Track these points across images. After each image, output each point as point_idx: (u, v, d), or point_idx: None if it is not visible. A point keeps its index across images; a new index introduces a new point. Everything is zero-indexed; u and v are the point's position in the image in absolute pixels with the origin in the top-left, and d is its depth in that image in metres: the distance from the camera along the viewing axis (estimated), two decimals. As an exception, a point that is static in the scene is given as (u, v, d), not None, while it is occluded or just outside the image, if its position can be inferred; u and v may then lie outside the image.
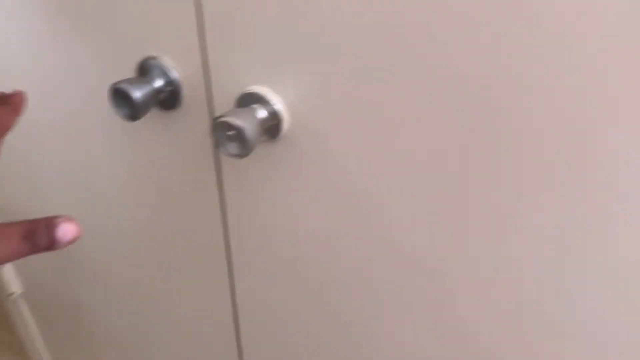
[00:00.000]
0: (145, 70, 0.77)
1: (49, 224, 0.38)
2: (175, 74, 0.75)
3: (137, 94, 0.72)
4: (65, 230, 0.38)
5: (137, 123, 0.84)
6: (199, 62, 0.72)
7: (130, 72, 0.79)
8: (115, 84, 0.72)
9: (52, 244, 0.38)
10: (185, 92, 0.76)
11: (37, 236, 0.37)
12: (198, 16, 0.68)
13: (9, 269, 1.51)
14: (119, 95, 0.73)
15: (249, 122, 0.64)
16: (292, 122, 0.68)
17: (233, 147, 0.65)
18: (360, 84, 0.60)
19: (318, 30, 0.60)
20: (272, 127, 0.69)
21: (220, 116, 0.64)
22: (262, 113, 0.67)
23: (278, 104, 0.67)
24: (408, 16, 0.53)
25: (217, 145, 0.66)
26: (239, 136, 0.64)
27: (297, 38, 0.62)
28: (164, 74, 0.75)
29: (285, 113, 0.67)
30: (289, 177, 0.73)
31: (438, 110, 0.56)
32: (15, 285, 1.53)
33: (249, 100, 0.68)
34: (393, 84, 0.57)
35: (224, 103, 0.72)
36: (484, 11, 0.49)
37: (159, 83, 0.75)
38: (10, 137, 0.53)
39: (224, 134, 0.65)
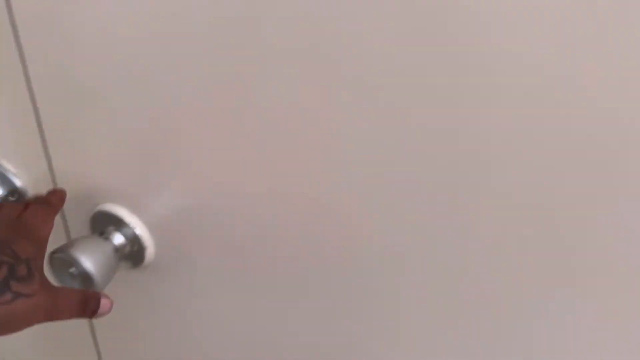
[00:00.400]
0: (-16, 176, 0.63)
1: (97, 295, 0.47)
2: (18, 182, 0.61)
3: (-35, 211, 0.58)
4: (105, 302, 0.47)
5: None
6: (45, 169, 0.58)
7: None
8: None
9: (95, 312, 0.47)
10: (34, 203, 0.62)
11: (89, 303, 0.46)
12: (38, 121, 0.55)
13: None
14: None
15: (95, 256, 0.51)
16: (158, 246, 0.55)
17: (76, 287, 0.52)
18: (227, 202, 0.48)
19: (173, 145, 0.48)
20: (133, 253, 0.56)
21: (58, 250, 0.51)
22: (118, 238, 0.54)
23: (138, 227, 0.54)
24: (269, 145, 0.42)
25: (59, 283, 0.52)
26: (82, 275, 0.50)
27: (151, 154, 0.50)
28: (5, 181, 0.61)
29: (147, 237, 0.54)
30: (161, 303, 0.60)
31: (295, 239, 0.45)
32: None
33: (104, 220, 0.55)
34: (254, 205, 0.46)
35: (77, 219, 0.59)
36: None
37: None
38: None
39: (65, 271, 0.52)
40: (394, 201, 0.41)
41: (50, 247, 0.54)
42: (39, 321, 0.44)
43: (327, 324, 0.50)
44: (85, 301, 0.47)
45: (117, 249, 0.54)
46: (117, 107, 0.49)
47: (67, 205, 0.59)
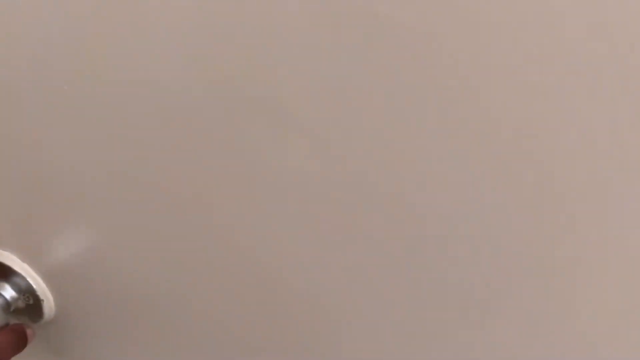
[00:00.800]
0: None
1: (22, 330, 0.47)
2: None
3: None
4: (29, 333, 0.47)
5: None
6: None
7: None
8: None
9: (25, 345, 0.47)
10: None
11: (20, 342, 0.46)
12: None
13: None
14: None
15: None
16: (58, 298, 0.46)
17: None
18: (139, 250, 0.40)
19: (66, 181, 0.39)
20: (29, 307, 0.46)
21: None
22: (7, 291, 0.45)
23: (30, 277, 0.45)
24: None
25: None
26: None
27: (41, 190, 0.41)
28: None
29: (43, 288, 0.45)
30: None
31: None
32: None
33: (-8, 270, 0.46)
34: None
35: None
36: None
37: None
38: None
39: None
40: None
41: None
42: None
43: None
44: (17, 341, 0.46)
45: (8, 304, 0.45)
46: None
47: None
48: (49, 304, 0.46)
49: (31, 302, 0.46)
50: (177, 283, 0.41)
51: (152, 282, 0.42)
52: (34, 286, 0.45)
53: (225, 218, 0.36)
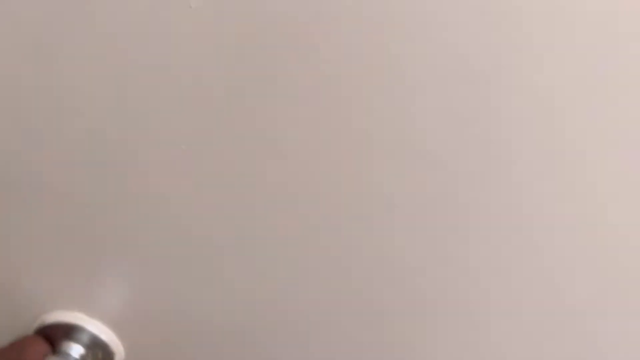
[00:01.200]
0: None
1: None
2: None
3: None
4: None
5: None
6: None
7: None
8: None
9: None
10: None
11: None
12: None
13: None
14: None
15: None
16: (129, 349, 0.46)
17: None
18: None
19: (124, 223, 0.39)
20: (100, 361, 0.46)
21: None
22: (76, 350, 0.44)
23: (101, 333, 0.44)
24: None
25: None
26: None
27: (99, 237, 0.41)
28: None
29: (114, 341, 0.45)
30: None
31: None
32: None
33: (53, 333, 0.45)
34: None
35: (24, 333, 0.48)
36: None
37: None
38: None
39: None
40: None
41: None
42: None
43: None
44: None
45: (77, 365, 0.44)
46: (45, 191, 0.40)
47: (2, 323, 0.48)
48: (120, 356, 0.45)
49: (100, 357, 0.45)
50: (244, 324, 0.42)
51: (222, 327, 0.42)
52: (106, 341, 0.44)
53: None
